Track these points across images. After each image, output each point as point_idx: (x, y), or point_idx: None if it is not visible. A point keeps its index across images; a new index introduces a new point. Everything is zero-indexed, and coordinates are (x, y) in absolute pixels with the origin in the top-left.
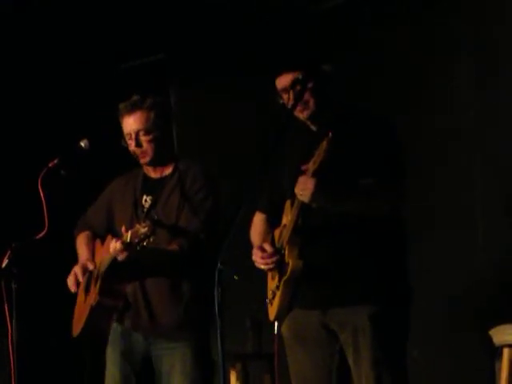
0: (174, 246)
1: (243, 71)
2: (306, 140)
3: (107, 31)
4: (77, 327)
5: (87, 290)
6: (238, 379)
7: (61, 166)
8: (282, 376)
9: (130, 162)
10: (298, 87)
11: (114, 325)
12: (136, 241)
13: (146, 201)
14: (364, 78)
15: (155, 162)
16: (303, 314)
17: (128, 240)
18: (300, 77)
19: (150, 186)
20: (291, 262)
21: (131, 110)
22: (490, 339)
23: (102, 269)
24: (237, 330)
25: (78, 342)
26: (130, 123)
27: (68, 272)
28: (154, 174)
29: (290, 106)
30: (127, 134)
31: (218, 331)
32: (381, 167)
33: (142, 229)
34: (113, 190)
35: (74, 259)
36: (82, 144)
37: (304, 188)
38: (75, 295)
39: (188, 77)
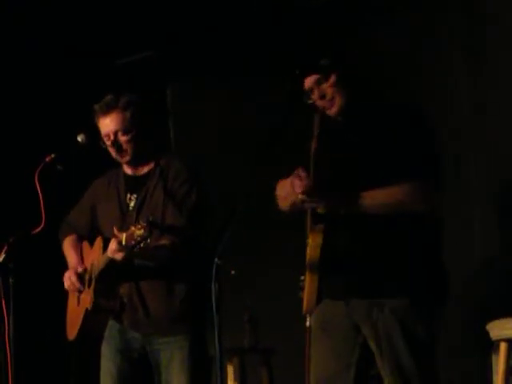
0: (164, 242)
1: (243, 69)
2: (335, 132)
3: (104, 26)
4: (72, 331)
5: (79, 294)
6: (235, 374)
7: (57, 160)
8: (281, 373)
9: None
10: (323, 84)
11: (111, 322)
12: (132, 243)
13: (130, 199)
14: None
15: (136, 161)
16: (331, 304)
17: (124, 242)
18: (321, 75)
19: (133, 184)
20: (308, 251)
21: (106, 110)
22: (486, 333)
23: (97, 270)
24: (234, 324)
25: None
26: (107, 124)
27: (64, 267)
28: (135, 171)
29: (319, 105)
30: (105, 136)
31: (216, 326)
32: (412, 165)
33: (138, 231)
34: (95, 191)
35: None
36: (79, 139)
37: (314, 201)
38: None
39: (185, 74)
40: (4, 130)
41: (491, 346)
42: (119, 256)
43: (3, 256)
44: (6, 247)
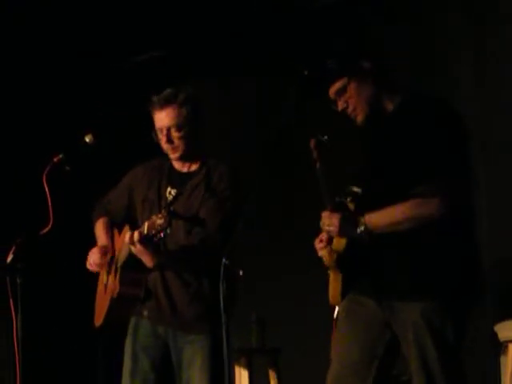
0: (184, 244)
1: (245, 69)
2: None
3: (111, 27)
4: (99, 318)
5: (106, 281)
6: (242, 374)
7: (65, 161)
8: (288, 373)
9: (136, 157)
10: (344, 95)
11: (134, 318)
12: (153, 232)
13: (169, 193)
14: None
15: (185, 158)
16: (362, 298)
17: (145, 232)
18: (340, 86)
19: (176, 179)
20: (326, 254)
21: (164, 104)
22: (494, 335)
23: (121, 260)
24: (241, 324)
25: (82, 338)
26: (162, 118)
27: (72, 267)
28: (181, 167)
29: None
30: (159, 129)
31: (223, 325)
32: (428, 172)
33: (159, 220)
34: (135, 178)
35: (78, 255)
36: (87, 139)
37: (330, 224)
38: (81, 290)
39: (189, 76)
40: (12, 130)
41: (499, 347)
42: (135, 248)
43: (11, 256)
44: (13, 248)
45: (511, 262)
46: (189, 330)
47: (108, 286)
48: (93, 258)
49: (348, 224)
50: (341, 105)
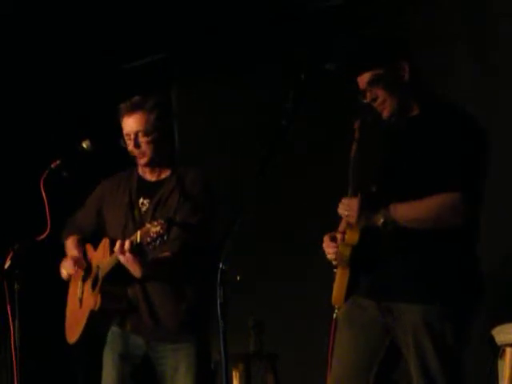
0: (166, 254)
1: (245, 70)
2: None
3: (108, 31)
4: (73, 334)
5: (81, 296)
6: (240, 379)
7: (63, 166)
8: (286, 378)
9: (132, 163)
10: (376, 86)
11: (113, 327)
12: (148, 240)
13: (142, 204)
14: None
15: (153, 163)
16: (362, 301)
17: (138, 240)
18: (375, 76)
19: (147, 189)
20: (340, 248)
21: (131, 110)
22: (492, 339)
23: (104, 271)
24: (239, 329)
25: (79, 344)
26: (130, 124)
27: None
28: (150, 176)
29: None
30: (126, 135)
31: (221, 332)
32: (447, 178)
33: (154, 228)
34: (102, 193)
35: None
36: (84, 145)
37: (348, 208)
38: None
39: (190, 76)
40: (9, 136)
41: (497, 351)
42: (124, 258)
43: (9, 262)
44: (11, 253)
45: (508, 266)
46: (172, 340)
47: (84, 300)
48: (66, 268)
49: (367, 208)
50: (369, 96)
